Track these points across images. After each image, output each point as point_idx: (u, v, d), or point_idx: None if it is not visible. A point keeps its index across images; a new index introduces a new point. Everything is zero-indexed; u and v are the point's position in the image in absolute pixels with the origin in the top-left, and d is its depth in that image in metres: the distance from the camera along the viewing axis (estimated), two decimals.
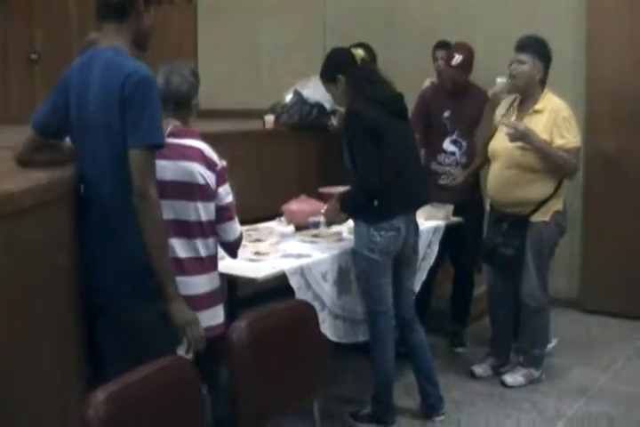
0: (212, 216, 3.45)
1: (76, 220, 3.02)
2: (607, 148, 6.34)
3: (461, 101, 5.63)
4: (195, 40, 8.28)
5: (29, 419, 2.56)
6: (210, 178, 3.39)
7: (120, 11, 3.02)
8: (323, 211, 4.71)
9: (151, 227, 2.93)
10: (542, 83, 4.91)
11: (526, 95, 4.93)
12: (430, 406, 4.63)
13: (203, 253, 3.44)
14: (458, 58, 5.57)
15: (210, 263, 3.48)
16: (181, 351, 3.03)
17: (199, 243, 3.42)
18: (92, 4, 3.11)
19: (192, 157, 3.36)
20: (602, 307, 6.42)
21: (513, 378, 5.07)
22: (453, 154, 5.67)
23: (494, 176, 4.97)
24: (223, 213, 3.48)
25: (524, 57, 4.84)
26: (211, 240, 3.47)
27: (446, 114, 5.66)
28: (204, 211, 3.40)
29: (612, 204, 6.37)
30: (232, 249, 3.64)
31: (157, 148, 2.98)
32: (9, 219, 2.44)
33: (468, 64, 5.61)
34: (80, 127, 3.03)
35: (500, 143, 4.90)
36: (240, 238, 3.62)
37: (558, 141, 4.79)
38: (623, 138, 6.33)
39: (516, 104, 5.00)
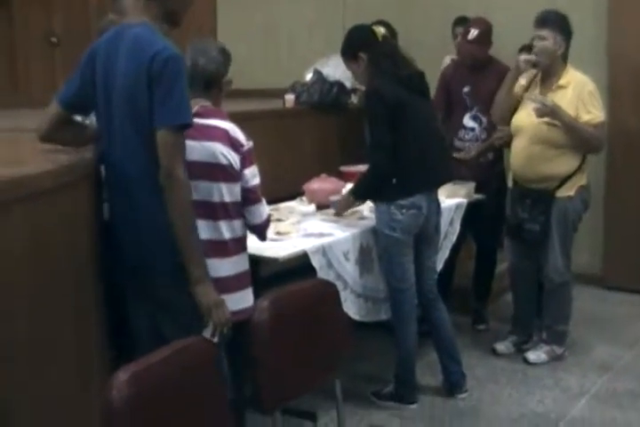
0: (238, 198, 3.39)
1: (98, 199, 3.02)
2: (630, 122, 6.32)
3: (481, 76, 5.60)
4: (214, 21, 8.24)
5: (47, 399, 2.58)
6: (234, 159, 3.33)
7: None
8: (335, 199, 4.70)
9: (178, 207, 2.91)
10: (564, 57, 4.87)
11: (549, 71, 4.89)
12: (453, 383, 4.64)
13: (226, 235, 3.37)
14: (474, 32, 5.55)
15: (235, 246, 3.41)
16: (207, 334, 3.02)
17: (223, 225, 3.36)
18: None
19: (215, 138, 3.31)
20: (625, 283, 6.40)
21: (536, 355, 5.07)
22: (473, 130, 5.65)
23: (519, 151, 4.94)
24: (249, 196, 3.42)
25: (544, 33, 4.79)
26: (236, 222, 3.41)
27: (466, 89, 5.64)
28: (227, 192, 3.34)
29: (636, 179, 6.34)
30: (259, 232, 3.57)
31: (186, 127, 2.96)
32: (29, 201, 2.44)
33: (484, 38, 5.58)
34: (106, 104, 3.01)
35: (525, 118, 4.88)
36: (267, 221, 3.56)
37: (585, 117, 4.77)
38: None
39: (537, 79, 4.96)
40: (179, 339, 2.56)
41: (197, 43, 3.48)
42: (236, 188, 3.37)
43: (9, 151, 3.33)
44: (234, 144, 3.34)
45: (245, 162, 3.37)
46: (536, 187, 4.90)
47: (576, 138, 4.76)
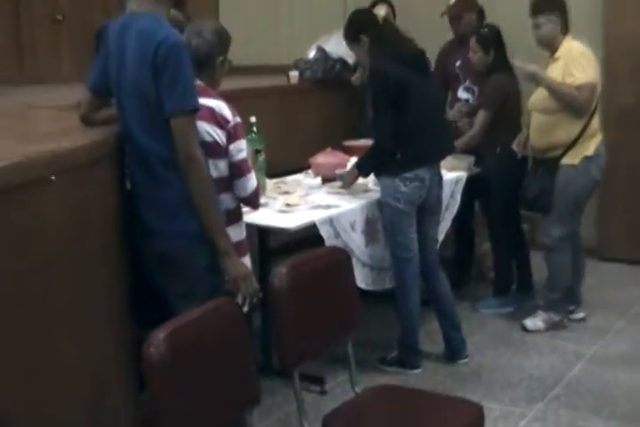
0: (224, 173, 3.50)
1: (121, 171, 3.20)
2: (625, 99, 6.44)
3: (469, 49, 5.73)
4: None
5: (81, 351, 2.75)
6: (219, 135, 3.44)
7: None
8: (340, 173, 4.89)
9: (199, 187, 3.10)
10: (564, 31, 5.04)
11: (552, 46, 5.07)
12: (453, 350, 4.83)
13: None
14: None
15: (226, 218, 3.45)
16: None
17: None
18: None
19: (201, 116, 3.35)
20: (619, 254, 6.55)
21: (532, 322, 5.23)
22: (467, 101, 5.84)
23: (531, 123, 5.16)
24: (235, 170, 3.52)
25: (539, 20, 5.01)
26: (224, 196, 3.50)
27: (458, 63, 5.85)
28: (213, 168, 3.41)
29: (631, 155, 6.45)
30: (249, 203, 3.68)
31: (194, 111, 3.12)
32: (69, 174, 2.59)
33: (462, 2, 5.87)
34: (119, 90, 3.17)
35: (534, 92, 5.10)
36: (255, 193, 3.62)
37: (567, 80, 4.91)
38: None
39: None
40: (182, 307, 2.77)
41: (195, 24, 3.61)
42: (222, 163, 3.47)
43: (44, 127, 3.48)
44: (219, 121, 3.44)
45: (231, 137, 3.48)
46: (545, 156, 5.07)
47: (560, 100, 4.91)
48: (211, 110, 3.44)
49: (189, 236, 3.17)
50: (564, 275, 5.24)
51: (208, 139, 3.41)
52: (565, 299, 5.29)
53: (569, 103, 4.92)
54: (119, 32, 3.18)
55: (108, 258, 3.00)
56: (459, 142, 5.47)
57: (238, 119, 3.53)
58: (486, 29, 5.55)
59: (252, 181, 3.57)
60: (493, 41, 5.45)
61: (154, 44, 3.02)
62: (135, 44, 3.09)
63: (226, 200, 3.51)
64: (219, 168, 3.47)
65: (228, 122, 3.46)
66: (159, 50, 3.02)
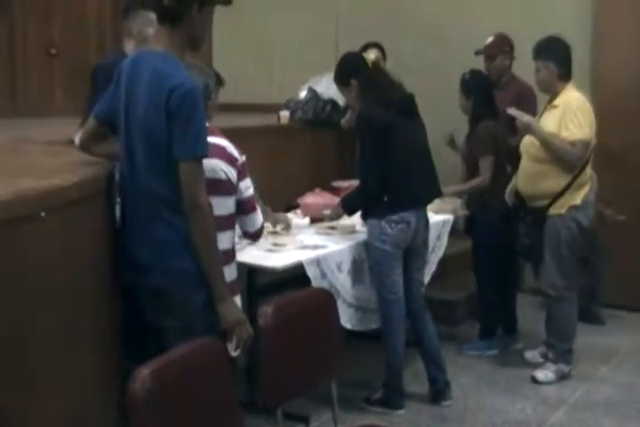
0: (230, 210, 3.53)
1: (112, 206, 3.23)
2: (613, 144, 6.44)
3: (502, 94, 5.77)
4: (209, 37, 8.37)
5: (69, 390, 2.75)
6: (231, 173, 3.48)
7: (174, 16, 3.11)
8: (326, 213, 4.94)
9: (203, 234, 3.11)
10: (564, 78, 5.06)
11: (551, 92, 5.12)
12: (438, 391, 4.84)
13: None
14: (489, 39, 6.04)
15: (224, 257, 3.47)
16: (230, 348, 3.15)
17: None
18: None
19: (214, 154, 3.39)
20: (604, 300, 6.50)
21: (543, 374, 5.15)
22: None
23: (520, 170, 5.19)
24: (244, 206, 3.59)
25: (538, 64, 5.07)
26: (227, 234, 3.51)
27: None
28: (222, 205, 3.44)
29: (618, 199, 6.42)
30: (253, 237, 3.81)
31: (203, 158, 3.12)
32: (60, 211, 2.61)
33: (498, 43, 6.01)
34: (126, 129, 3.16)
35: (524, 138, 5.14)
36: (261, 228, 3.75)
37: (563, 133, 4.92)
38: (629, 134, 6.49)
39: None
40: (179, 343, 2.74)
41: (199, 65, 3.58)
42: (230, 200, 3.51)
43: (35, 162, 3.51)
44: (230, 160, 3.49)
45: (240, 175, 3.54)
46: (534, 205, 5.10)
47: (553, 153, 4.93)
48: (222, 149, 3.48)
49: (189, 274, 3.16)
50: (572, 325, 5.20)
51: (223, 176, 3.45)
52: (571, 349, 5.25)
53: (560, 157, 4.93)
54: (133, 70, 3.16)
55: (98, 294, 3.01)
56: (466, 185, 5.54)
57: (244, 157, 3.59)
58: (468, 75, 5.54)
59: (259, 216, 3.71)
60: (474, 86, 5.48)
61: (168, 88, 3.01)
62: (148, 84, 3.07)
63: (226, 239, 3.50)
64: (228, 205, 3.51)
65: (237, 160, 3.52)
66: (173, 94, 3.00)
